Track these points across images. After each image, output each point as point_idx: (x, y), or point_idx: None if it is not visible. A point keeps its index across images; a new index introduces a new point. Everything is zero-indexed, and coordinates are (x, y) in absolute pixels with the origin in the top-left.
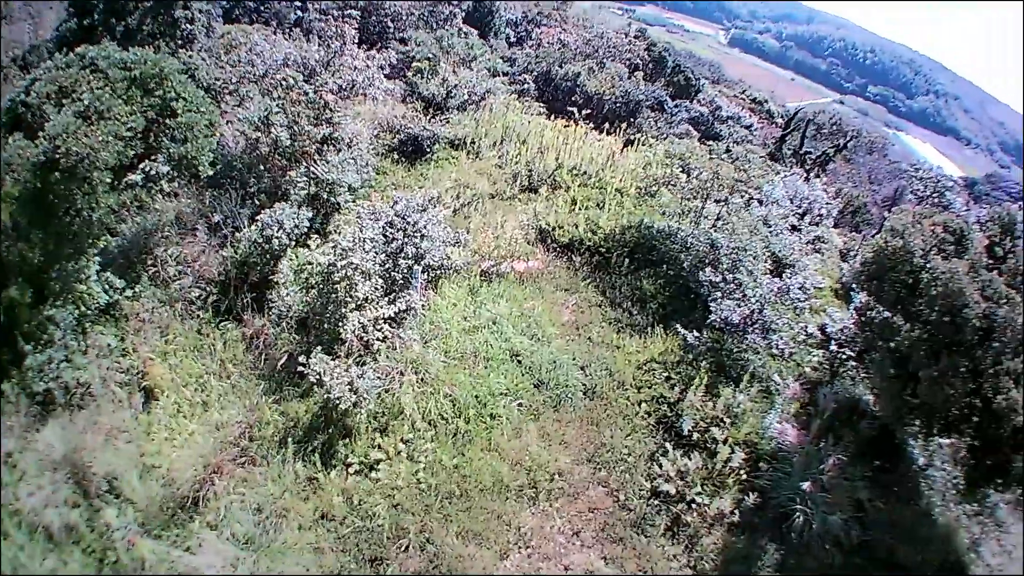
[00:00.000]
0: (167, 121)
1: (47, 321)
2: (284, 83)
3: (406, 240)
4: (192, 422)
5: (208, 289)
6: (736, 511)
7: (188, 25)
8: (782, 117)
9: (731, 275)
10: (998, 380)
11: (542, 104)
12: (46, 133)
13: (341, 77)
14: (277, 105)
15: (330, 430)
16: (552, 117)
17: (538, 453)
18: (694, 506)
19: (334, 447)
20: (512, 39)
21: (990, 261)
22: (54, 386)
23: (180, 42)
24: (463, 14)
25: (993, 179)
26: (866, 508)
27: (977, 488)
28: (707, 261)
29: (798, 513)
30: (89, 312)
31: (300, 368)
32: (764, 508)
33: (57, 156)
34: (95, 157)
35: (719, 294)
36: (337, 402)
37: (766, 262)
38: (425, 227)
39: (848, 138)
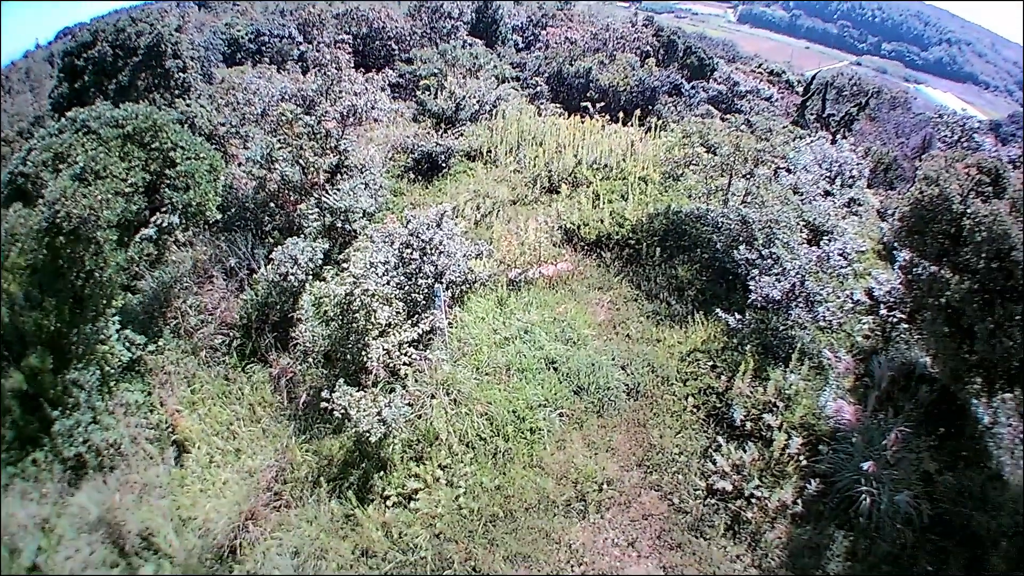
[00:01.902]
0: (167, 171)
1: (71, 385)
2: (283, 117)
3: (423, 258)
4: (225, 471)
5: (231, 334)
6: (799, 500)
7: (181, 74)
8: (801, 85)
9: (767, 250)
10: None
11: (558, 105)
12: (45, 200)
13: (341, 103)
14: (279, 140)
15: (364, 464)
16: (568, 116)
17: (584, 463)
18: (753, 500)
19: (370, 481)
20: (520, 44)
21: None
22: (84, 449)
23: (176, 92)
24: (467, 27)
25: (1016, 119)
26: (935, 480)
27: None
28: (740, 239)
29: (864, 495)
30: (113, 371)
31: (324, 404)
32: (828, 493)
33: (58, 220)
34: (96, 217)
35: (756, 271)
36: (367, 434)
37: (802, 231)
38: (441, 243)
39: (869, 95)
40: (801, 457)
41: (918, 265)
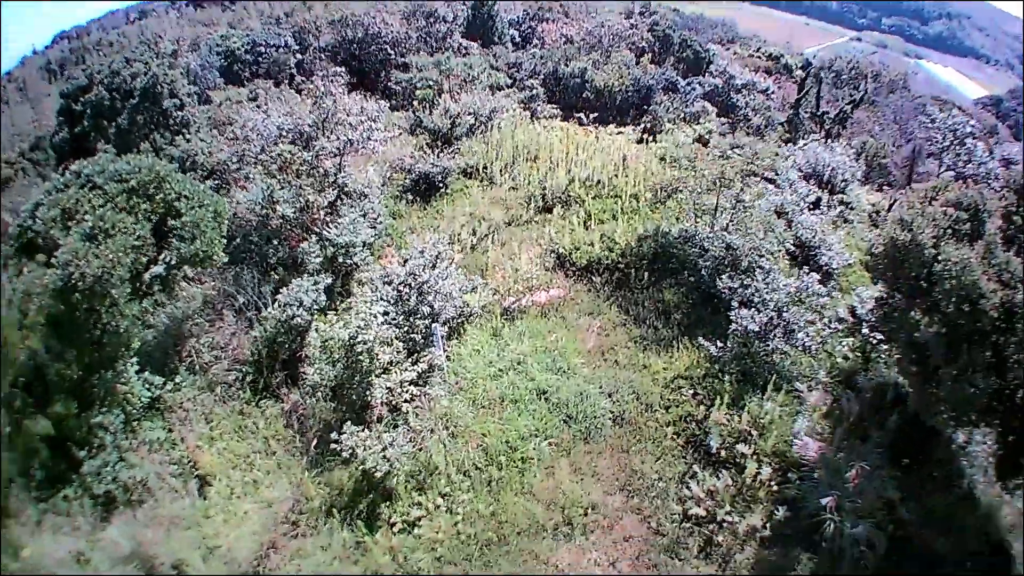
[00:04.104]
0: (172, 221)
1: (97, 427)
2: (281, 158)
3: (420, 300)
4: (245, 502)
5: (244, 370)
6: (767, 525)
7: (179, 112)
8: (800, 69)
9: (748, 279)
10: (1022, 371)
11: (554, 106)
12: (58, 260)
13: (337, 138)
14: (279, 181)
15: (371, 495)
16: (565, 118)
17: (571, 489)
18: (725, 525)
19: (377, 510)
20: (517, 39)
21: (1008, 229)
22: (113, 487)
23: (175, 130)
24: (461, 28)
25: (1017, 93)
26: (897, 508)
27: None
28: (725, 264)
29: (828, 522)
30: (135, 412)
31: (333, 445)
32: (795, 519)
33: (73, 281)
34: (110, 274)
35: (737, 302)
36: (373, 471)
37: (784, 257)
38: (436, 283)
39: (867, 81)
40: (772, 484)
41: (893, 297)
